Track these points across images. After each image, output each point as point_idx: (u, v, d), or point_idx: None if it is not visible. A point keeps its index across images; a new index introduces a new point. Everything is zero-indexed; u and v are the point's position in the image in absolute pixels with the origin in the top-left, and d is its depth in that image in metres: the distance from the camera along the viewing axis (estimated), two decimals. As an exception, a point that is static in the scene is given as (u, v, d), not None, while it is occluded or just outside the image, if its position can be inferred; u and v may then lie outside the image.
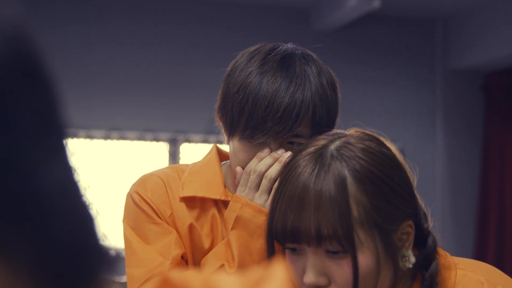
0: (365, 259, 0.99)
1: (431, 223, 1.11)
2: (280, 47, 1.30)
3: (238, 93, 1.26)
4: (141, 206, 1.32)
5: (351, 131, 1.09)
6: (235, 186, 1.31)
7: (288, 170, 1.05)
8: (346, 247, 0.98)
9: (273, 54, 1.28)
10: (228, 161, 1.39)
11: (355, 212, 0.99)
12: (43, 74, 0.37)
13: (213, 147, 1.42)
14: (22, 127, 0.35)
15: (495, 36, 4.71)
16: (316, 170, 1.01)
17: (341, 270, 1.00)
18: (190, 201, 1.33)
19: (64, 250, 0.36)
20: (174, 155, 4.87)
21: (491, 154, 5.12)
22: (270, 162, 1.25)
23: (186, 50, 4.90)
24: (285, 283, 0.41)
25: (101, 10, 4.76)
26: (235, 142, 1.28)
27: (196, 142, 4.91)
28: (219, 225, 1.33)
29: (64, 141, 0.38)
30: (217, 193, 1.33)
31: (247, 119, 1.24)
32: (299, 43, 1.35)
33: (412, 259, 1.04)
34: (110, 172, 4.74)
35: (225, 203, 1.32)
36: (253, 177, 1.25)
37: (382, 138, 1.10)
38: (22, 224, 0.35)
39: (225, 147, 1.41)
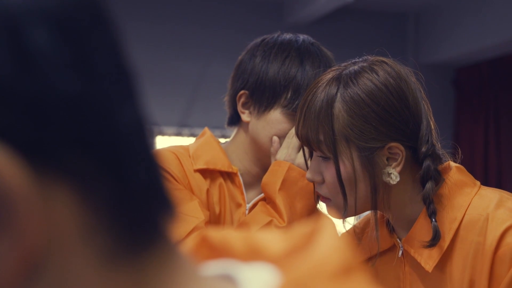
0: (342, 166, 1.16)
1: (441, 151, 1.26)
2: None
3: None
4: None
5: (372, 59, 1.26)
6: (244, 160, 1.48)
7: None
8: (327, 152, 1.16)
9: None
10: (225, 140, 1.54)
11: (336, 125, 1.15)
12: (112, 20, 0.39)
13: (205, 129, 1.56)
14: (98, 66, 0.36)
15: (466, 31, 4.77)
16: (319, 89, 1.18)
17: (328, 172, 1.18)
18: (203, 173, 1.46)
19: (139, 191, 0.37)
20: (147, 148, 4.86)
21: (461, 147, 5.18)
22: None
23: (159, 45, 4.89)
24: (336, 237, 0.39)
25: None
26: (276, 115, 1.42)
27: (170, 135, 4.91)
28: (226, 193, 1.47)
29: (135, 85, 0.39)
30: (223, 166, 1.47)
31: (293, 92, 1.41)
32: (272, 36, 1.35)
33: (395, 177, 1.15)
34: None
35: (229, 175, 1.48)
36: (295, 139, 1.41)
37: (400, 68, 1.27)
38: (101, 162, 0.35)
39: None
